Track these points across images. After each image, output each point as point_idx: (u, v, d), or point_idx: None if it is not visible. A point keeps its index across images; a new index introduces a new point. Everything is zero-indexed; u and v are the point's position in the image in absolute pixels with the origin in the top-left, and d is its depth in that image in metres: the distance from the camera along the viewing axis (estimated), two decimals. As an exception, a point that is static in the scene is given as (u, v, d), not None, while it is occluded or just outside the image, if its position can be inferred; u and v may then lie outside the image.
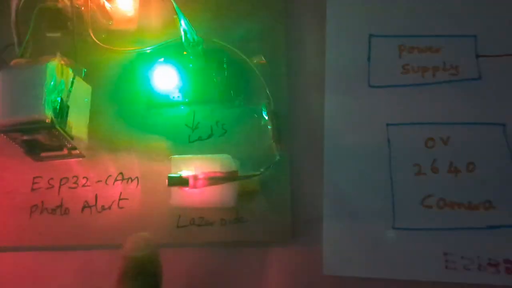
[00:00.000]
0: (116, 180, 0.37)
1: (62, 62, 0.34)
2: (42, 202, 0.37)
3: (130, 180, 0.37)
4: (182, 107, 0.38)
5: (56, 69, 0.33)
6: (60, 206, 0.37)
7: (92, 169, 0.38)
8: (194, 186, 0.33)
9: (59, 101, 0.33)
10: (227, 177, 0.34)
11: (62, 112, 0.33)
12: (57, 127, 0.32)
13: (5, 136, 0.33)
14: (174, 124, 0.38)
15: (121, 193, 0.37)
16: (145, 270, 0.27)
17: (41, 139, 0.33)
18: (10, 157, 0.38)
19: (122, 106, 0.39)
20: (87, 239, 0.36)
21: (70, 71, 0.35)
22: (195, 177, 0.33)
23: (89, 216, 0.37)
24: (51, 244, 0.37)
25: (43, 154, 0.34)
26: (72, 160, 0.38)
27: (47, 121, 0.32)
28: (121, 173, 0.37)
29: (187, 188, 0.34)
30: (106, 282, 0.35)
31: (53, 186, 0.38)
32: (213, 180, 0.33)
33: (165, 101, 0.38)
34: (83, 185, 0.37)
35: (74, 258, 0.36)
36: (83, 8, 0.39)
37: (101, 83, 0.39)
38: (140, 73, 0.39)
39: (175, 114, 0.38)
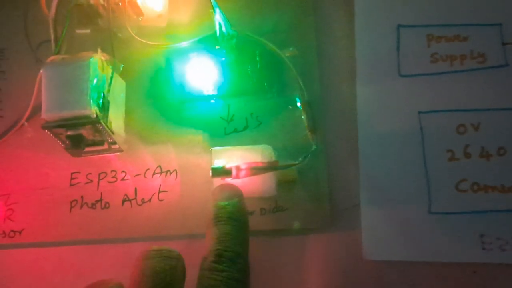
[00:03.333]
0: (154, 173, 0.38)
1: (103, 58, 0.34)
2: (82, 197, 0.38)
3: (168, 173, 0.38)
4: (216, 100, 0.39)
5: (98, 64, 0.33)
6: (100, 200, 0.37)
7: (130, 163, 0.38)
8: (237, 177, 0.34)
9: (102, 96, 0.33)
10: (268, 167, 0.34)
11: (104, 107, 0.34)
12: (102, 122, 0.33)
13: (48, 132, 0.33)
14: (209, 117, 0.39)
15: (160, 185, 0.37)
16: (234, 216, 0.30)
17: (85, 134, 0.33)
18: (47, 154, 0.39)
19: (156, 101, 0.39)
20: (129, 232, 0.37)
21: (110, 67, 0.35)
22: (237, 168, 0.34)
23: (130, 209, 0.37)
24: (93, 238, 0.37)
25: (87, 149, 0.35)
26: (110, 154, 0.38)
27: (93, 116, 0.32)
28: (159, 166, 0.38)
29: (229, 179, 0.35)
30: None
31: (91, 181, 0.38)
32: (255, 170, 0.34)
33: (198, 95, 0.39)
34: (122, 179, 0.38)
35: (115, 251, 0.37)
36: (114, 5, 0.39)
37: (134, 78, 0.39)
38: (173, 67, 0.40)
39: (210, 107, 0.39)
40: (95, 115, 0.32)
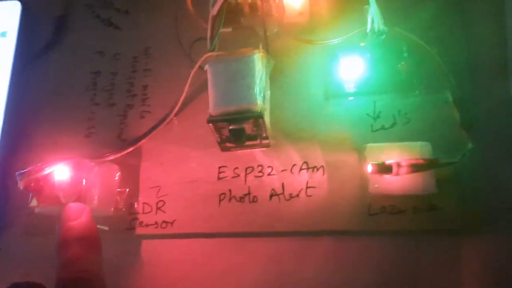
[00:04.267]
0: (301, 169, 0.38)
1: (262, 55, 0.35)
2: (230, 190, 0.38)
3: (315, 169, 0.38)
4: (361, 97, 0.39)
5: (260, 60, 0.34)
6: (248, 194, 0.38)
7: (276, 158, 0.39)
8: (397, 173, 0.34)
9: (262, 91, 0.34)
10: (428, 165, 0.34)
11: (263, 102, 0.34)
12: (264, 116, 0.33)
13: (212, 126, 0.34)
14: (355, 114, 0.39)
15: (307, 181, 0.38)
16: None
17: (247, 128, 0.34)
18: (193, 148, 0.40)
19: (301, 97, 0.40)
20: (277, 226, 0.37)
21: (266, 64, 0.35)
22: (398, 164, 0.33)
23: (278, 204, 0.38)
24: (241, 231, 0.38)
25: (248, 143, 0.35)
26: (256, 150, 0.39)
27: (258, 111, 0.33)
28: (305, 162, 0.38)
29: (387, 176, 0.34)
30: (297, 269, 0.36)
31: (238, 175, 0.39)
32: (415, 167, 0.34)
33: (344, 91, 0.39)
34: (269, 174, 0.38)
35: (263, 245, 0.37)
36: (259, 3, 0.40)
37: (278, 75, 0.40)
38: (317, 64, 0.40)
39: (355, 104, 0.39)
40: (259, 110, 0.33)
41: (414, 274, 0.35)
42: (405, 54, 0.38)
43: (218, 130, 0.35)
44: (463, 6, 0.39)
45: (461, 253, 0.35)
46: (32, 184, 0.34)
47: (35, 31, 0.46)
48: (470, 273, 0.35)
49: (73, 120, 0.42)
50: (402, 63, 0.38)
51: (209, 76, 0.34)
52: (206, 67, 0.34)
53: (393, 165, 0.33)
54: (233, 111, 0.33)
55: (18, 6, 0.46)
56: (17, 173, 0.34)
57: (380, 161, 0.34)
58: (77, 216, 0.32)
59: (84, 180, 0.35)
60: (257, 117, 0.33)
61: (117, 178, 0.39)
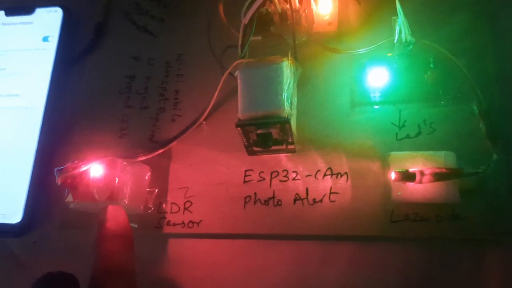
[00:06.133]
0: (325, 175, 0.39)
1: (290, 62, 0.36)
2: (255, 193, 0.40)
3: (339, 175, 0.39)
4: (386, 106, 0.39)
5: (288, 67, 0.35)
6: (273, 197, 0.39)
7: (301, 163, 0.40)
8: (420, 181, 0.34)
9: (290, 97, 0.35)
10: (452, 174, 0.34)
11: (291, 108, 0.35)
12: (290, 122, 0.34)
13: (240, 130, 0.35)
14: (380, 122, 0.39)
15: (331, 187, 0.38)
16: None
17: (273, 133, 0.35)
18: (221, 151, 0.41)
19: (327, 104, 0.41)
20: (300, 229, 0.38)
21: (294, 71, 0.37)
22: (421, 172, 0.34)
23: (301, 208, 0.38)
24: (265, 233, 0.39)
25: (274, 147, 0.36)
26: (281, 155, 0.40)
27: (285, 116, 0.34)
28: (329, 168, 0.39)
29: (411, 184, 0.35)
30: (319, 273, 0.37)
31: (264, 179, 0.40)
32: (439, 176, 0.34)
33: (370, 100, 0.40)
34: (293, 179, 0.39)
35: (287, 247, 0.38)
36: (289, 12, 0.41)
37: (305, 82, 0.41)
38: (345, 72, 0.41)
39: (380, 113, 0.39)
40: (287, 115, 0.34)
41: (436, 282, 0.36)
42: (432, 65, 0.39)
43: (245, 134, 0.36)
44: (492, 19, 0.40)
45: (484, 263, 0.35)
46: (69, 181, 0.36)
47: (75, 37, 0.49)
48: (492, 283, 0.35)
49: (108, 121, 0.44)
50: (428, 73, 0.39)
51: (239, 82, 0.35)
52: (236, 73, 0.36)
53: (417, 173, 0.34)
54: (261, 116, 0.34)
55: (59, 13, 0.49)
56: (55, 169, 0.36)
57: (403, 169, 0.34)
58: (114, 217, 0.34)
59: (117, 179, 0.37)
60: (284, 122, 0.34)
61: (147, 178, 0.41)
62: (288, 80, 0.35)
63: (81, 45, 0.48)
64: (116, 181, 0.37)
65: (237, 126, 0.35)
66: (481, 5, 0.40)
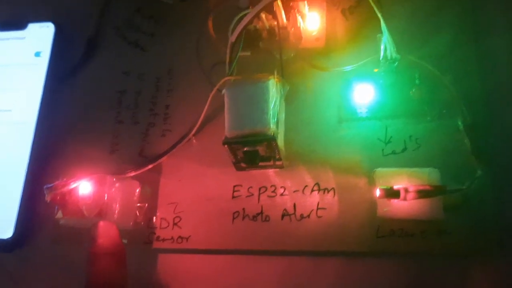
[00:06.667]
0: (312, 190, 0.39)
1: (277, 80, 0.36)
2: (243, 209, 0.40)
3: (326, 190, 0.39)
4: (373, 122, 0.40)
5: (275, 86, 0.36)
6: (261, 213, 0.40)
7: (289, 179, 0.40)
8: (404, 198, 0.35)
9: (276, 115, 0.35)
10: (435, 191, 0.35)
11: (277, 125, 0.36)
12: (276, 139, 0.35)
13: (228, 148, 0.36)
14: (366, 138, 0.40)
15: (318, 202, 0.39)
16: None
17: (260, 150, 0.35)
18: (210, 167, 0.42)
19: (314, 120, 0.41)
20: (288, 245, 0.38)
21: (280, 88, 0.37)
22: (406, 190, 0.34)
23: (289, 224, 0.39)
24: (253, 249, 0.39)
25: (262, 164, 0.37)
26: (269, 170, 0.40)
27: (271, 134, 0.34)
28: (317, 183, 0.39)
29: (395, 200, 0.35)
30: (306, 287, 0.37)
31: (252, 194, 0.40)
32: (422, 193, 0.34)
33: (356, 116, 0.40)
34: (281, 194, 0.40)
35: (275, 263, 0.39)
36: (276, 29, 0.41)
37: (292, 98, 0.41)
38: (332, 88, 0.41)
39: (367, 128, 0.40)
40: (272, 133, 0.34)
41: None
42: (417, 81, 0.39)
43: (233, 151, 0.36)
44: (476, 36, 0.40)
45: (469, 278, 0.36)
46: (58, 198, 0.37)
47: (67, 52, 0.49)
48: (479, 298, 0.35)
49: (99, 136, 0.45)
50: (414, 90, 0.39)
51: (226, 99, 0.36)
52: (224, 90, 0.36)
53: (401, 190, 0.34)
54: (247, 134, 0.35)
55: (51, 28, 0.49)
56: (44, 186, 0.37)
57: (388, 186, 0.35)
58: (106, 233, 0.35)
59: (106, 195, 0.37)
60: (270, 140, 0.35)
61: (137, 193, 0.41)
62: (274, 98, 0.35)
63: (72, 60, 0.49)
64: (105, 198, 0.37)
65: (224, 144, 0.35)
66: (466, 22, 0.40)
